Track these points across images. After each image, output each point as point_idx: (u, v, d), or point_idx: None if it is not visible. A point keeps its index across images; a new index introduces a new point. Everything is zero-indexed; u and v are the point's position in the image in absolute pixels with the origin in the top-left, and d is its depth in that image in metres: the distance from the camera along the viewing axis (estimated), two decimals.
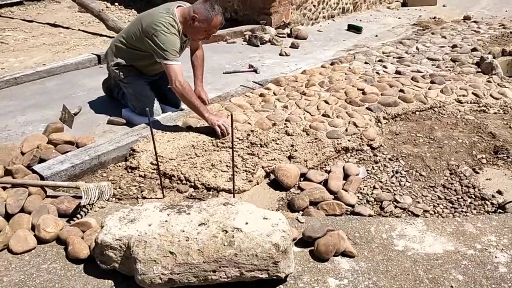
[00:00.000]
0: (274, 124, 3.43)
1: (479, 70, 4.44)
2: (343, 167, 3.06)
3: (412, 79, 4.25)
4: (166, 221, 2.14)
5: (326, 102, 3.77)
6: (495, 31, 6.19)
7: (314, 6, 6.87)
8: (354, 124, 3.46)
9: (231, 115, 2.46)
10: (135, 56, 3.52)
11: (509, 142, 3.37)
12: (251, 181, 2.96)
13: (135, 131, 3.33)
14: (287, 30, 6.33)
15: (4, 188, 2.61)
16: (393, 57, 5.06)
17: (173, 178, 2.97)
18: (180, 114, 3.59)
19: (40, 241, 2.29)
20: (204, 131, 3.32)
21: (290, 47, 5.72)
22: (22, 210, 2.46)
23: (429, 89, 4.04)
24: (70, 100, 3.87)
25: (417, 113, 3.78)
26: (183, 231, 2.08)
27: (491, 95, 3.93)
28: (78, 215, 2.51)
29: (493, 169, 3.14)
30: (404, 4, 8.47)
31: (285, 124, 3.44)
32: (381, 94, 3.91)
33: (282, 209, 2.77)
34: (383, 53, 5.30)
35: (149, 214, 2.21)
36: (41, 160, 2.95)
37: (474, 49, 5.15)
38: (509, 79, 4.24)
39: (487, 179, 3.03)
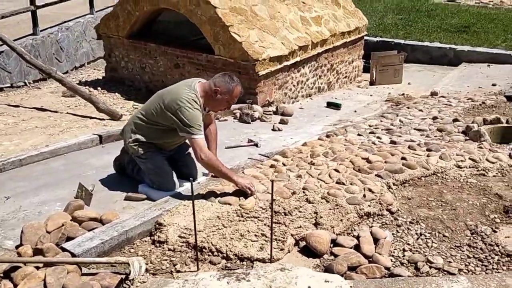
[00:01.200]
0: (293, 193, 3.48)
1: (467, 138, 4.72)
2: (371, 232, 3.11)
3: (409, 147, 4.45)
4: None
5: (336, 170, 3.88)
6: (465, 104, 6.64)
7: (294, 86, 7.21)
8: (370, 190, 3.56)
9: (272, 182, 2.51)
10: (155, 132, 3.59)
11: None
12: (283, 249, 2.96)
13: (158, 205, 3.30)
14: (272, 108, 6.57)
15: (38, 268, 2.51)
16: (381, 129, 5.32)
17: (204, 250, 2.93)
18: (198, 187, 3.60)
19: None
20: (227, 200, 3.34)
21: (280, 123, 5.93)
22: None
23: (427, 156, 4.23)
24: (80, 179, 3.81)
25: (423, 178, 3.94)
26: None
27: (487, 160, 4.16)
28: None
29: (508, 227, 3.27)
30: (372, 83, 9.00)
31: (303, 192, 3.50)
32: (385, 162, 4.06)
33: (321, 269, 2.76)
34: (370, 126, 5.56)
35: (208, 284, 2.17)
36: (68, 238, 2.86)
37: (455, 120, 5.49)
38: (498, 145, 4.52)
39: (506, 237, 3.14)
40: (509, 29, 10.36)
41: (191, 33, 7.38)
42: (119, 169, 3.93)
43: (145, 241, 3.06)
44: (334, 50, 8.00)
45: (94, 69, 10.04)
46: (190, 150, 3.78)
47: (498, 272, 2.76)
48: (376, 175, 3.86)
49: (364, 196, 3.49)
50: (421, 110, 6.35)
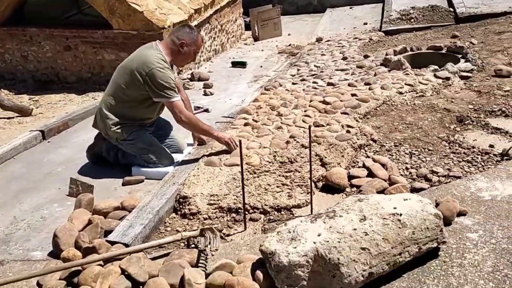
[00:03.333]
0: (287, 142, 3.59)
1: (389, 68, 5.21)
2: (373, 159, 3.39)
3: (349, 85, 4.80)
4: (330, 227, 2.19)
5: (307, 116, 4.06)
6: (357, 43, 7.22)
7: None
8: (348, 126, 3.82)
9: (240, 141, 2.61)
10: (131, 108, 3.41)
11: (462, 111, 4.09)
12: (309, 192, 3.09)
13: (169, 180, 3.19)
14: (187, 75, 6.45)
15: (102, 266, 2.31)
16: (307, 76, 5.59)
17: (239, 210, 2.93)
18: (197, 153, 3.55)
19: None
20: (233, 161, 3.34)
21: (205, 87, 5.87)
22: None
23: (370, 89, 4.62)
24: (56, 177, 3.46)
25: (378, 109, 4.31)
26: (355, 229, 2.16)
27: (420, 83, 4.68)
28: (200, 264, 2.35)
29: (469, 132, 3.79)
30: (256, 39, 9.22)
31: (294, 140, 3.62)
32: (341, 101, 4.35)
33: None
34: (292, 75, 5.80)
35: (306, 228, 2.22)
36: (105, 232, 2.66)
37: (366, 56, 5.99)
38: (418, 70, 5.08)
39: (474, 140, 3.65)
40: None
41: (65, 10, 6.84)
42: (94, 158, 3.64)
43: (174, 218, 2.96)
44: (221, 10, 8.03)
45: None
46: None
47: (501, 164, 3.21)
48: (341, 113, 4.13)
49: (348, 131, 3.74)
50: (323, 54, 6.76)
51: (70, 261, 2.36)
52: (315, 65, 6.08)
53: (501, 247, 2.30)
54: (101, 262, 2.33)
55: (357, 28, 8.61)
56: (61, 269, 2.29)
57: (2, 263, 2.51)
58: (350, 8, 10.25)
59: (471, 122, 3.92)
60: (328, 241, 2.11)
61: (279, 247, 2.15)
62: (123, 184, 3.34)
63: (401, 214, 2.23)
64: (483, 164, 3.30)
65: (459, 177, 3.13)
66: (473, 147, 3.52)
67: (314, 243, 2.11)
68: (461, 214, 2.57)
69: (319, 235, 2.15)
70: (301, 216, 2.69)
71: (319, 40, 8.14)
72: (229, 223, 2.87)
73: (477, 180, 2.92)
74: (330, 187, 3.16)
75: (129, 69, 3.33)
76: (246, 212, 2.91)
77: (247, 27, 9.58)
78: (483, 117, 3.98)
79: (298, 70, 6.03)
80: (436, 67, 4.99)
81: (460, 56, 5.39)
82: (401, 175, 3.25)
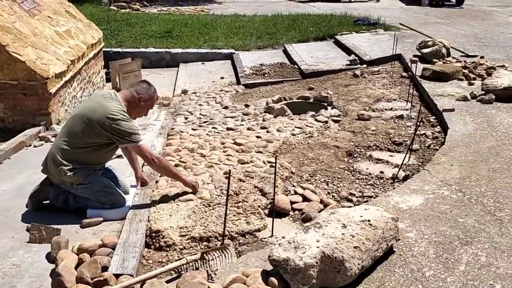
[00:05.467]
0: (227, 178, 4.00)
1: (274, 115, 5.96)
2: (302, 187, 4.00)
3: (248, 129, 5.40)
4: (323, 234, 2.71)
5: (229, 155, 4.52)
6: (226, 94, 7.92)
7: (70, 101, 7.00)
8: (269, 161, 4.39)
9: (229, 171, 3.13)
10: (86, 153, 3.50)
11: (347, 147, 4.98)
12: (263, 218, 3.54)
13: (135, 218, 3.35)
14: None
15: None
16: (201, 122, 6.02)
17: (211, 238, 3.25)
18: (144, 192, 3.72)
19: None
20: (187, 197, 3.63)
21: None
22: None
23: (267, 132, 5.29)
24: (3, 227, 3.30)
25: (281, 148, 4.97)
26: (343, 234, 2.72)
27: (306, 126, 5.51)
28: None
29: (360, 163, 4.66)
30: (118, 91, 9.33)
31: (232, 175, 4.04)
32: (250, 142, 4.91)
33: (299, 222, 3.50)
34: (184, 123, 6.18)
35: (303, 238, 2.70)
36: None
37: (247, 105, 6.68)
38: (299, 116, 5.93)
39: (367, 168, 4.52)
40: (203, 32, 12.22)
41: None
42: (37, 205, 3.55)
43: (149, 251, 3.14)
44: (89, 62, 8.03)
45: None
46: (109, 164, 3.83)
47: (403, 183, 4.05)
48: (256, 152, 4.69)
49: (272, 166, 4.30)
50: (201, 104, 7.29)
51: None
52: (200, 114, 6.56)
53: (434, 240, 3.06)
54: None
55: (216, 82, 9.34)
56: None
57: None
58: (202, 63, 11.02)
59: (358, 155, 4.82)
60: (328, 244, 2.61)
61: (289, 254, 2.57)
62: (82, 227, 3.36)
63: (369, 220, 2.85)
64: (382, 186, 4.15)
65: (371, 197, 3.92)
66: (370, 174, 4.38)
67: (318, 247, 2.59)
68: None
69: (318, 241, 2.64)
70: (274, 237, 3.14)
71: (184, 92, 8.63)
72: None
73: (391, 196, 3.72)
74: (277, 212, 3.65)
75: (87, 117, 3.42)
76: (217, 240, 3.24)
77: (107, 79, 9.65)
78: (364, 151, 4.92)
79: (186, 118, 6.43)
80: (314, 112, 5.91)
81: (326, 104, 6.43)
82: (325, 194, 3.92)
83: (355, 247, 2.63)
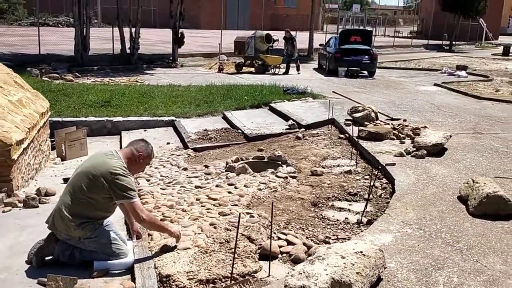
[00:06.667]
0: (214, 227, 4.31)
1: (236, 173, 6.38)
2: (283, 233, 4.40)
3: (217, 186, 5.77)
4: (328, 264, 3.13)
5: (209, 208, 4.85)
6: (179, 157, 8.25)
7: (25, 168, 7.01)
8: (248, 213, 4.77)
9: (239, 214, 3.56)
10: (92, 207, 3.71)
11: (311, 199, 5.49)
12: (257, 261, 3.89)
13: (143, 266, 3.55)
14: (32, 191, 6.34)
15: None
16: (166, 183, 6.29)
17: (215, 280, 3.54)
18: (141, 244, 3.93)
19: None
20: (185, 245, 3.91)
21: None
22: None
23: (236, 188, 5.69)
24: (10, 283, 3.35)
25: (252, 201, 5.37)
26: (345, 263, 3.16)
27: (269, 181, 5.98)
28: None
29: (326, 212, 5.17)
30: (63, 159, 9.31)
31: (218, 226, 4.37)
32: (225, 196, 5.28)
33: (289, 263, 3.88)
34: (150, 184, 6.42)
35: (311, 269, 3.11)
36: None
37: (206, 166, 7.05)
38: (260, 173, 6.39)
39: (333, 216, 5.03)
40: (142, 101, 12.56)
41: None
42: (41, 262, 3.64)
43: None
44: (39, 130, 8.08)
45: None
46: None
47: (368, 227, 4.56)
48: (232, 205, 5.05)
49: (251, 216, 4.68)
50: (157, 168, 7.55)
51: None
52: (161, 175, 6.83)
53: (412, 268, 3.58)
54: None
55: (163, 147, 9.64)
56: None
57: None
58: (145, 130, 11.28)
59: (322, 205, 5.34)
60: (335, 272, 3.03)
61: (304, 282, 2.96)
62: (92, 277, 3.51)
63: (362, 251, 3.31)
64: (351, 230, 4.67)
65: (345, 239, 4.40)
66: (338, 220, 4.89)
67: (327, 274, 3.00)
68: None
69: (325, 270, 3.05)
70: (270, 276, 3.50)
71: None
72: None
73: (365, 236, 4.23)
74: (267, 255, 4.00)
75: (91, 174, 3.67)
76: (220, 281, 3.54)
77: (52, 147, 9.63)
78: (326, 202, 5.46)
79: (148, 180, 6.67)
80: (273, 170, 6.41)
81: (280, 162, 6.97)
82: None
83: (357, 273, 3.07)
